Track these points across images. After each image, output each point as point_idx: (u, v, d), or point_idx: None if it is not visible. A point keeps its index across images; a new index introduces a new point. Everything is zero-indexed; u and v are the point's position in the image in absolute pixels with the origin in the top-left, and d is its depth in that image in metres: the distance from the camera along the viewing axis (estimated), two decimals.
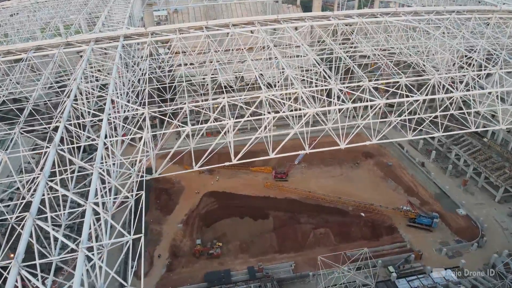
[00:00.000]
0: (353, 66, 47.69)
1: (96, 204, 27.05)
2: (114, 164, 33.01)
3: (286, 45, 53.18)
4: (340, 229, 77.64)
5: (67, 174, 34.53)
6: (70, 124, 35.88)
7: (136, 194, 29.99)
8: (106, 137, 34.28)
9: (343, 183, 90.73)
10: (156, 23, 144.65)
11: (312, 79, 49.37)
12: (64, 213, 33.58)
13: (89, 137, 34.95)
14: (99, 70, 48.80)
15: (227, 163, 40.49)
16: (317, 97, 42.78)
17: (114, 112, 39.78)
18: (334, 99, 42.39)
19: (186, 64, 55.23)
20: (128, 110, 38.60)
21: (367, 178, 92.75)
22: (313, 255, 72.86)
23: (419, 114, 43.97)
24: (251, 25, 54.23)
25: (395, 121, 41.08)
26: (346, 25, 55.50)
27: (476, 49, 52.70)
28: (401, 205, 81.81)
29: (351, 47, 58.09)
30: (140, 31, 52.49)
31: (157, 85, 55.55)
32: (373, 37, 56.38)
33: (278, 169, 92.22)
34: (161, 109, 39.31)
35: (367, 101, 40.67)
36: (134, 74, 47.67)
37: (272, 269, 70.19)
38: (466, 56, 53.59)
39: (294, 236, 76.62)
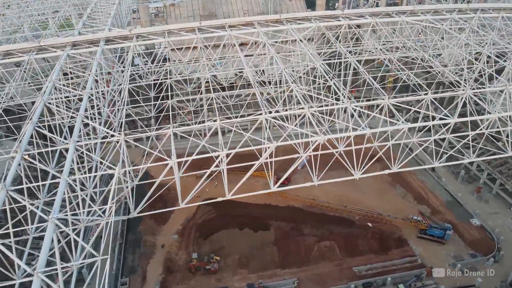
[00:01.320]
0: (369, 78, 40.43)
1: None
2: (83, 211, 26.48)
3: (290, 52, 45.72)
4: (346, 242, 70.66)
5: None
6: (29, 155, 29.09)
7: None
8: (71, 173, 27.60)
9: (348, 190, 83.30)
10: (154, 15, 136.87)
11: (320, 93, 42.19)
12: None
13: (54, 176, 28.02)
14: (76, 79, 41.73)
15: (219, 199, 33.85)
16: (326, 118, 35.79)
17: (87, 135, 32.96)
18: (345, 115, 35.64)
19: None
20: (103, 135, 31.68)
21: (374, 184, 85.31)
22: (318, 271, 66.40)
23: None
24: (250, 26, 46.81)
25: (419, 145, 34.12)
26: (358, 26, 48.10)
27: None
28: (411, 215, 74.91)
29: (362, 51, 50.58)
30: (124, 33, 45.05)
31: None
32: (389, 41, 48.94)
33: (279, 175, 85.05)
34: (142, 134, 32.30)
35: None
36: (114, 85, 40.46)
37: (273, 287, 64.07)
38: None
39: (297, 250, 69.74)
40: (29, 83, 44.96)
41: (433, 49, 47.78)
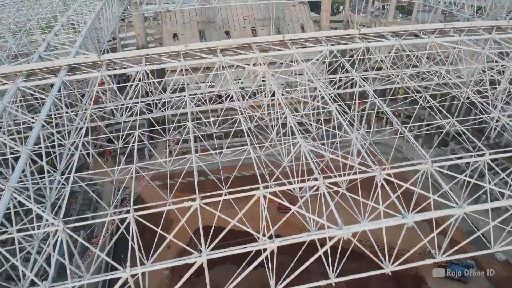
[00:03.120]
0: (393, 118, 30.95)
1: None
2: None
3: (296, 83, 35.96)
4: (357, 283, 61.57)
5: None
6: None
7: None
8: None
9: (357, 219, 74.02)
10: (152, 18, 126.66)
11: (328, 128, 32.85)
12: None
13: None
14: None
15: None
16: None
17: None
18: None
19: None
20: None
21: (385, 210, 75.92)
22: None
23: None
24: (247, 50, 37.28)
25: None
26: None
27: None
28: (428, 249, 65.38)
29: (383, 77, 40.74)
30: (92, 59, 35.62)
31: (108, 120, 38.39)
32: (418, 71, 39.13)
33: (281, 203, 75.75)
34: (86, 222, 23.08)
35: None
36: (72, 131, 31.06)
37: None
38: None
39: None
40: None
41: (469, 77, 38.00)
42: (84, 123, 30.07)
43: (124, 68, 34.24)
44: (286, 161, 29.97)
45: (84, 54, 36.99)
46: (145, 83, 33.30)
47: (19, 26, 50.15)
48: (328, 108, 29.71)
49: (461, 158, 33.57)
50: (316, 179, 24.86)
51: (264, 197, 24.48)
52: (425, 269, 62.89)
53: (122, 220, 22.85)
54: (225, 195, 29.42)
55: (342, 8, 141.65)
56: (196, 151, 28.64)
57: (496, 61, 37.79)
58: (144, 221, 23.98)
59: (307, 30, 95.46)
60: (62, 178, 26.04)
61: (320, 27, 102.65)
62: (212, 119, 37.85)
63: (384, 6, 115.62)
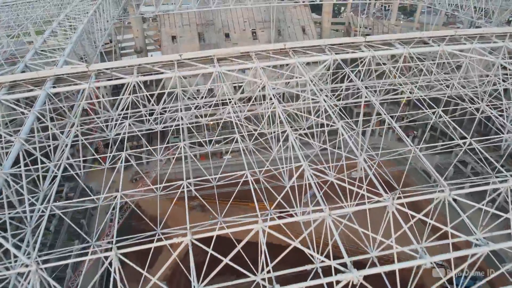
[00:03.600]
0: (403, 136, 28.40)
1: None
2: None
3: (298, 93, 33.22)
4: None
5: None
6: None
7: None
8: None
9: (358, 224, 71.57)
10: (152, 19, 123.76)
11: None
12: None
13: None
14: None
15: None
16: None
17: None
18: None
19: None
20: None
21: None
22: None
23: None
24: (246, 59, 34.70)
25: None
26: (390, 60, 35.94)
27: None
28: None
29: (390, 87, 38.07)
30: (80, 69, 33.07)
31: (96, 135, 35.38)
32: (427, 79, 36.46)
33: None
34: (64, 262, 20.57)
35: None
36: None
37: None
38: None
39: None
40: None
41: (482, 89, 35.22)
42: (69, 141, 27.47)
43: (114, 79, 31.61)
44: (288, 184, 27.44)
45: (73, 64, 34.35)
46: (137, 96, 30.66)
47: (8, 31, 47.49)
48: (333, 126, 27.16)
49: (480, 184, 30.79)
50: (321, 210, 22.31)
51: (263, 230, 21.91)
52: (430, 280, 60.46)
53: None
54: (220, 223, 27.12)
55: (343, 9, 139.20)
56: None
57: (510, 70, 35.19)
58: (127, 260, 21.50)
59: (308, 32, 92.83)
60: (43, 205, 23.48)
61: (322, 29, 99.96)
62: (207, 137, 35.08)
63: (386, 7, 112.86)
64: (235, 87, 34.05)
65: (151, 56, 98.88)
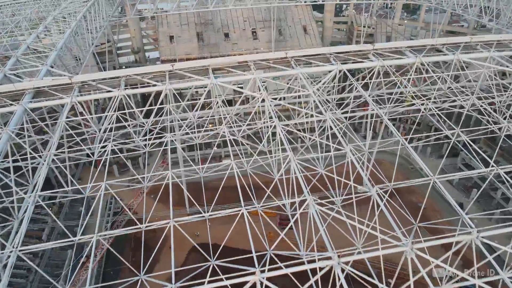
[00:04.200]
0: (414, 155, 25.28)
1: None
2: None
3: (301, 110, 29.91)
4: None
5: None
6: None
7: None
8: None
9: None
10: (151, 17, 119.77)
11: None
12: None
13: None
14: None
15: None
16: None
17: None
18: None
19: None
20: None
21: (391, 226, 70.39)
22: None
23: None
24: (244, 69, 31.52)
25: None
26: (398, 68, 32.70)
27: None
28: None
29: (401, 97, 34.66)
30: (63, 80, 29.91)
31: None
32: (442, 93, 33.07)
33: (283, 214, 70.22)
34: None
35: None
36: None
37: None
38: None
39: None
40: None
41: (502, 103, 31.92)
42: (46, 163, 24.38)
43: (98, 92, 28.46)
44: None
45: (56, 74, 31.17)
46: (124, 112, 27.55)
47: None
48: (342, 151, 24.11)
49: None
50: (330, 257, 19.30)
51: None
52: None
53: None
54: (213, 266, 24.23)
55: (345, 7, 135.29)
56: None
57: None
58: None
59: (310, 32, 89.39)
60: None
61: (324, 29, 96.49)
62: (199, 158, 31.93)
63: (388, 5, 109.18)
64: (230, 102, 30.92)
65: (148, 56, 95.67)
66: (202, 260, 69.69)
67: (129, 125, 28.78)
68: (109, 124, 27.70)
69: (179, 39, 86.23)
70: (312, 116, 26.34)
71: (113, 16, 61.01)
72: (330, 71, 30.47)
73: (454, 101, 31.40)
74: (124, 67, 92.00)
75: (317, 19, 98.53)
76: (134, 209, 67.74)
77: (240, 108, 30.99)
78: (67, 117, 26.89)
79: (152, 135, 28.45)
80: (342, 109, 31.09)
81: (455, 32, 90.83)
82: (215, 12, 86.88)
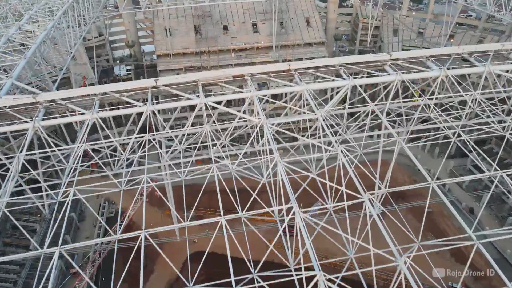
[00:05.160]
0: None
1: None
2: None
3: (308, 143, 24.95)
4: None
5: None
6: None
7: None
8: None
9: (366, 240, 64.20)
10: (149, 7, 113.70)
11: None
12: None
13: None
14: None
15: None
16: None
17: None
18: None
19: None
20: None
21: (398, 232, 65.87)
22: None
23: None
24: (240, 83, 26.62)
25: None
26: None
27: None
28: (450, 282, 55.94)
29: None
30: (26, 100, 25.16)
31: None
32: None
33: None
34: None
35: None
36: None
37: None
38: None
39: None
40: None
41: None
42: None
43: (66, 118, 23.63)
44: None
45: (22, 89, 26.33)
46: (91, 144, 22.77)
47: None
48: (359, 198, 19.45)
49: None
50: None
51: None
52: None
53: None
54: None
55: None
56: None
57: None
58: None
59: (313, 24, 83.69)
60: None
61: (327, 20, 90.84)
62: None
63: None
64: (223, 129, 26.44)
65: (143, 51, 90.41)
66: (200, 272, 64.89)
67: (101, 157, 24.00)
68: (76, 160, 22.96)
69: (175, 32, 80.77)
70: (321, 150, 21.53)
71: (101, 11, 55.53)
72: (340, 87, 25.51)
73: (487, 123, 26.54)
74: (118, 61, 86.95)
75: (320, 11, 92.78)
76: (132, 216, 63.71)
77: (234, 134, 26.20)
78: (28, 149, 22.12)
79: (129, 172, 23.83)
80: (354, 131, 26.27)
81: (465, 25, 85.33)
82: (215, 7, 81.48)
